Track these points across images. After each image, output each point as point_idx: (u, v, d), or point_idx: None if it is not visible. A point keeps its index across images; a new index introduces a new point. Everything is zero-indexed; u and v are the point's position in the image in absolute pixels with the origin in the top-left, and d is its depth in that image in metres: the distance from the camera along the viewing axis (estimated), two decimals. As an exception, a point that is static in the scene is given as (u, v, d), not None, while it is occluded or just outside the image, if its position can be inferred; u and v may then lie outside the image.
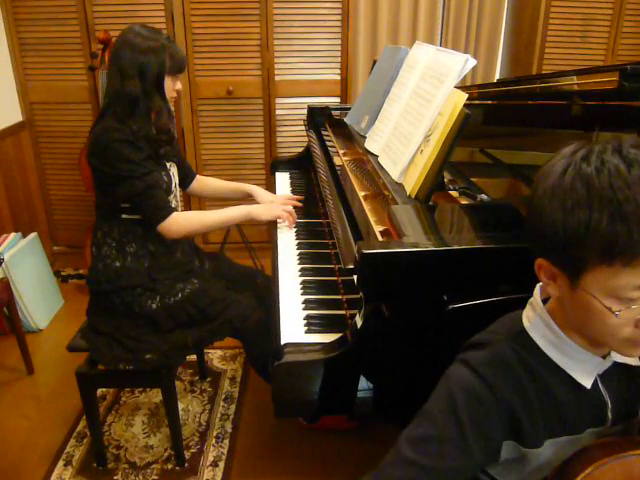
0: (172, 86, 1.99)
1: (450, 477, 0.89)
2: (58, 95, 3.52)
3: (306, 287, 1.71)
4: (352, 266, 1.27)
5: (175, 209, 2.01)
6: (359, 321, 1.26)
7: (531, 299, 0.98)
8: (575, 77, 1.55)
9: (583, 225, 0.77)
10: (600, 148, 0.81)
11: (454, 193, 1.71)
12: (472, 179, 1.86)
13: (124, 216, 1.98)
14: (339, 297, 1.64)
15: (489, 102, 1.85)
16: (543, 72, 3.63)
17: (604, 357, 0.93)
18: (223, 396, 2.61)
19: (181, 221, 1.98)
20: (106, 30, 3.04)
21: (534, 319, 0.95)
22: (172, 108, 2.04)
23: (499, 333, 0.98)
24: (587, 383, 0.92)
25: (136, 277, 1.98)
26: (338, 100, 3.60)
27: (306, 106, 2.92)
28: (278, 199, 2.27)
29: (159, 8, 3.35)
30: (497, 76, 3.90)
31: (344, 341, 1.29)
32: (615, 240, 0.75)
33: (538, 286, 0.98)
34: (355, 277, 1.24)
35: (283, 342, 1.41)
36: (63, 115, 3.57)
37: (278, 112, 3.63)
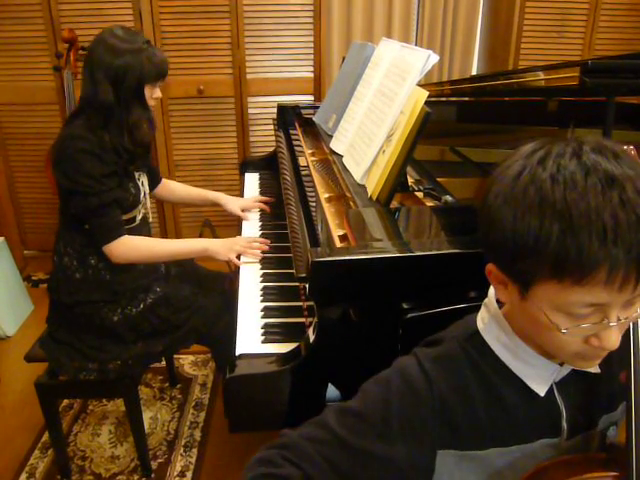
0: (150, 94, 1.88)
1: (363, 461, 0.84)
2: (25, 96, 3.44)
3: (267, 293, 1.65)
4: (304, 275, 1.21)
5: (144, 223, 1.94)
6: (311, 334, 1.20)
7: (486, 299, 0.93)
8: (542, 73, 1.50)
9: (532, 236, 0.72)
10: (559, 151, 0.75)
11: (419, 194, 1.66)
12: (441, 179, 1.81)
13: (87, 227, 1.88)
14: (300, 304, 1.58)
15: (454, 99, 1.81)
16: (519, 68, 3.60)
17: (561, 364, 0.87)
18: (193, 403, 2.55)
19: (128, 246, 1.87)
20: (71, 29, 2.96)
21: (488, 321, 0.90)
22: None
23: (452, 333, 0.93)
24: (541, 391, 0.87)
25: (97, 291, 1.90)
26: (312, 98, 3.54)
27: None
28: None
29: (127, 6, 3.27)
30: (474, 72, 3.87)
31: (297, 353, 1.24)
32: (565, 256, 0.70)
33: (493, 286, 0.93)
34: (307, 286, 1.19)
35: (238, 353, 1.36)
36: (30, 116, 3.48)
37: (250, 111, 3.56)
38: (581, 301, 0.72)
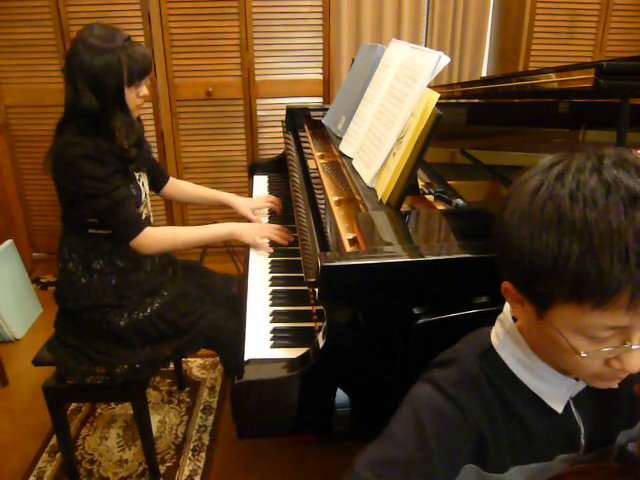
0: (135, 94, 1.84)
1: None
2: (34, 98, 3.44)
3: (275, 298, 1.64)
4: (314, 279, 1.19)
5: (147, 223, 1.92)
6: (321, 339, 1.19)
7: (500, 315, 0.91)
8: (554, 75, 1.48)
9: (550, 256, 0.69)
10: (578, 165, 0.71)
11: (430, 197, 1.64)
12: (452, 182, 1.79)
13: (91, 231, 1.87)
14: (309, 308, 1.56)
15: (464, 101, 1.78)
16: (529, 69, 3.57)
17: (577, 378, 0.85)
18: (201, 407, 2.54)
19: (154, 236, 1.88)
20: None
21: (503, 337, 0.87)
22: (137, 116, 1.93)
23: (466, 351, 0.90)
24: (559, 407, 0.85)
25: (103, 296, 1.88)
26: (321, 100, 3.53)
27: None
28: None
29: (135, 8, 3.26)
30: (484, 74, 3.84)
31: (307, 358, 1.22)
32: (584, 278, 0.66)
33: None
34: (317, 291, 1.17)
35: (247, 358, 1.34)
36: (40, 119, 3.46)
37: (259, 113, 3.55)
38: (602, 325, 0.70)
